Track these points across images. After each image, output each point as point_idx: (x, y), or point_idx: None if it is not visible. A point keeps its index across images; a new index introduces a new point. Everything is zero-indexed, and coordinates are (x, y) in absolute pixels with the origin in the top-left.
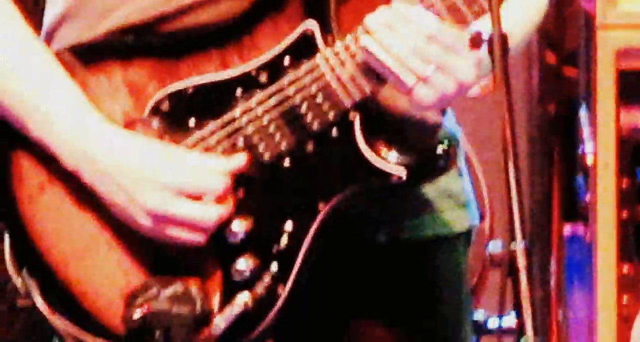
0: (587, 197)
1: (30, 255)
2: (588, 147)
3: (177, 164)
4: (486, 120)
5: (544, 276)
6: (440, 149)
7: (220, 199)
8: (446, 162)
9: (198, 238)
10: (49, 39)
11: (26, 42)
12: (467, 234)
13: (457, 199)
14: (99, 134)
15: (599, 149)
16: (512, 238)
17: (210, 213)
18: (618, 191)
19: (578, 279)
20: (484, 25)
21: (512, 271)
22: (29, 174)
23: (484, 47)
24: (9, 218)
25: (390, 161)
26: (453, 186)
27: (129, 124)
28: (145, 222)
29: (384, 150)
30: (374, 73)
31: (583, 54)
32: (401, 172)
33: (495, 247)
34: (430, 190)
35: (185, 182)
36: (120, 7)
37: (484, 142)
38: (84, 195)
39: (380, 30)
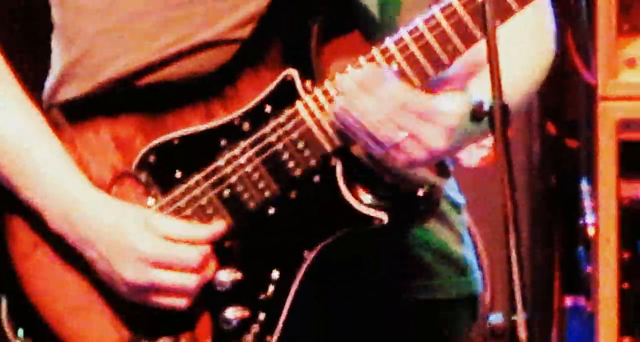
0: (589, 269)
1: (26, 313)
2: (589, 218)
3: (155, 235)
4: (487, 191)
5: None
6: (420, 192)
7: (199, 269)
8: (428, 206)
9: (180, 303)
10: (50, 101)
11: (14, 102)
12: (470, 300)
13: (457, 265)
14: (80, 200)
15: (600, 220)
16: (513, 310)
17: (190, 280)
18: (619, 263)
19: None
20: (483, 94)
21: None
22: (23, 233)
23: (482, 118)
24: (6, 277)
25: (371, 205)
26: (452, 252)
27: (117, 179)
28: (126, 290)
29: (365, 195)
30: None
31: (584, 125)
32: (382, 216)
33: (496, 319)
34: (428, 255)
35: (162, 254)
36: (110, 63)
37: (485, 214)
38: (74, 254)
39: (354, 93)
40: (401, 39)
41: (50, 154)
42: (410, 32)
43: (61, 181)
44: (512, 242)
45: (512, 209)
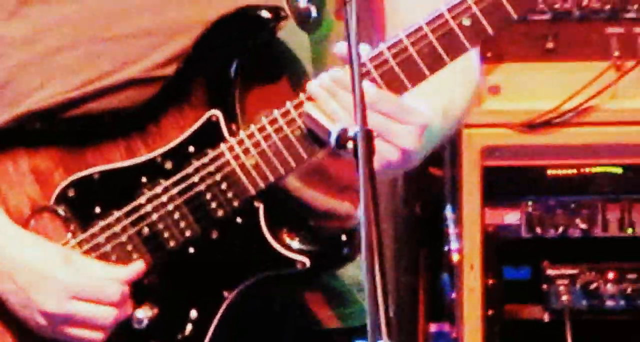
0: (453, 295)
1: None
2: (453, 245)
3: (76, 268)
4: None
5: None
6: (344, 237)
7: (117, 304)
8: (350, 250)
9: (97, 337)
10: None
11: None
12: None
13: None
14: (5, 238)
15: (464, 247)
16: (378, 337)
17: (107, 313)
18: (484, 289)
19: None
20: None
21: None
22: None
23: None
24: None
25: (294, 249)
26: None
27: (35, 212)
28: (43, 322)
29: (288, 238)
30: (286, 156)
31: (448, 153)
32: (305, 260)
33: None
34: (341, 283)
35: (81, 287)
36: (30, 95)
37: None
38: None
39: (323, 96)
40: (381, 53)
41: None
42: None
43: None
44: (376, 268)
45: (376, 236)
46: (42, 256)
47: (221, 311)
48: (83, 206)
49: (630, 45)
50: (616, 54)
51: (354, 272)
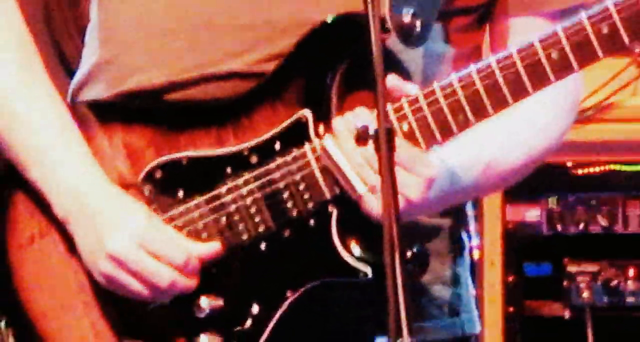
0: (474, 292)
1: (11, 304)
2: (474, 241)
3: (154, 224)
4: None
5: None
6: (409, 253)
7: (180, 268)
8: (416, 266)
9: (148, 294)
10: (74, 96)
11: (47, 94)
12: (462, 341)
13: (448, 307)
14: (98, 188)
15: (485, 244)
16: (399, 334)
17: (168, 274)
18: (504, 285)
19: None
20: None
21: None
22: (22, 224)
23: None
24: None
25: (359, 258)
26: (444, 295)
27: (123, 187)
28: (105, 267)
29: (356, 247)
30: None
31: None
32: (368, 270)
33: None
34: (417, 296)
35: (153, 240)
36: (135, 74)
37: None
38: (68, 253)
39: (343, 134)
40: (416, 100)
41: (73, 143)
42: (426, 95)
43: (82, 170)
44: (397, 266)
45: (397, 234)
46: (124, 205)
47: (282, 309)
48: (167, 188)
49: None
50: (637, 50)
51: (435, 288)
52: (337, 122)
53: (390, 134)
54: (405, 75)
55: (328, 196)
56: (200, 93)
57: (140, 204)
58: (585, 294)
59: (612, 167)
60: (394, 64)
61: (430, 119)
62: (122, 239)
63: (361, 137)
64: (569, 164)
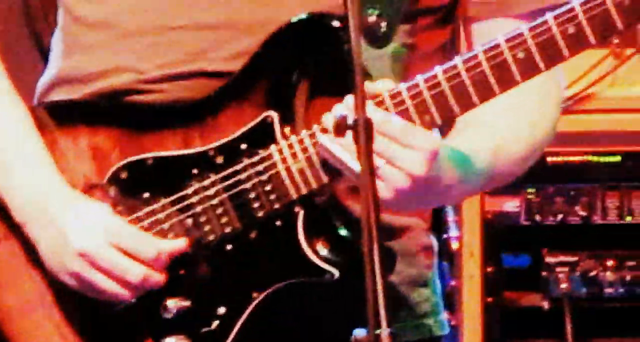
0: (453, 283)
1: None
2: (453, 232)
3: (121, 223)
4: None
5: None
6: None
7: (150, 266)
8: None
9: (122, 293)
10: (40, 99)
11: (5, 98)
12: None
13: (416, 309)
14: (56, 191)
15: (464, 234)
16: (377, 324)
17: (136, 269)
18: (483, 276)
19: None
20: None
21: None
22: None
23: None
24: None
25: (326, 258)
26: (412, 297)
27: (88, 189)
28: (74, 267)
29: (322, 247)
30: (325, 169)
31: None
32: (334, 271)
33: (360, 333)
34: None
35: (122, 237)
36: (100, 76)
37: None
38: (30, 256)
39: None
40: (382, 102)
41: (29, 147)
42: (392, 96)
43: (39, 175)
44: (375, 257)
45: (375, 224)
46: (85, 206)
47: (248, 311)
48: (133, 190)
49: (629, 33)
50: (615, 41)
51: (402, 288)
52: (327, 117)
53: (368, 124)
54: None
55: (294, 196)
56: (165, 94)
57: (103, 204)
58: (564, 285)
59: (591, 158)
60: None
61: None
62: (91, 237)
63: (340, 128)
64: (548, 155)
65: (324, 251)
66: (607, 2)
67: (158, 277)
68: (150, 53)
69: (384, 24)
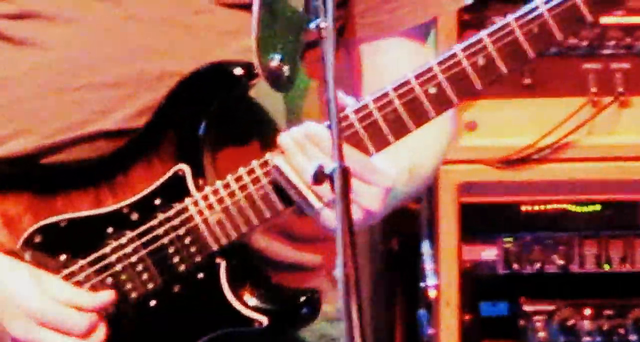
0: (430, 332)
1: None
2: (430, 281)
3: (46, 296)
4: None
5: None
6: (303, 298)
7: (84, 335)
8: (310, 310)
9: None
10: None
11: None
12: None
13: None
14: None
15: (441, 283)
16: None
17: (84, 321)
18: (460, 325)
19: None
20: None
21: None
22: None
23: (328, 182)
24: None
25: (253, 307)
26: (332, 331)
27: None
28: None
29: (248, 296)
30: (280, 196)
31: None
32: (263, 319)
33: None
34: (307, 335)
35: (50, 313)
36: (5, 140)
37: None
38: None
39: (292, 150)
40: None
41: None
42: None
43: None
44: (353, 305)
45: (353, 271)
46: (12, 279)
47: None
48: (49, 253)
49: (606, 81)
50: (593, 90)
51: (322, 325)
52: (282, 137)
53: (346, 173)
54: (267, 122)
55: (214, 247)
56: (72, 155)
57: (23, 266)
58: (542, 334)
59: (569, 207)
60: (254, 109)
61: (362, 132)
62: (21, 322)
63: (318, 178)
64: (525, 204)
65: (251, 301)
66: (516, 32)
67: (96, 340)
68: (52, 115)
69: (286, 68)
